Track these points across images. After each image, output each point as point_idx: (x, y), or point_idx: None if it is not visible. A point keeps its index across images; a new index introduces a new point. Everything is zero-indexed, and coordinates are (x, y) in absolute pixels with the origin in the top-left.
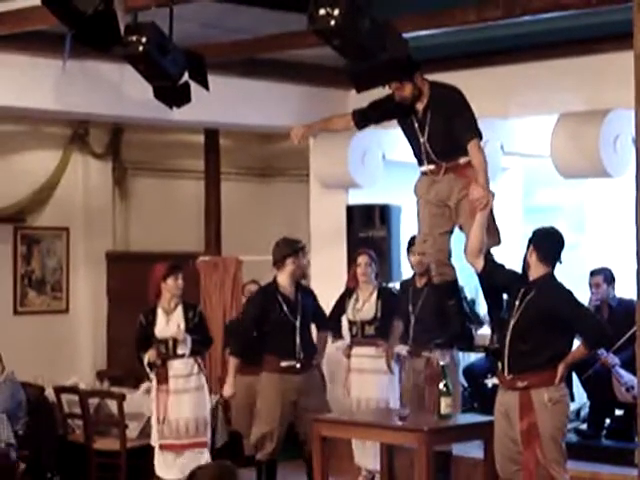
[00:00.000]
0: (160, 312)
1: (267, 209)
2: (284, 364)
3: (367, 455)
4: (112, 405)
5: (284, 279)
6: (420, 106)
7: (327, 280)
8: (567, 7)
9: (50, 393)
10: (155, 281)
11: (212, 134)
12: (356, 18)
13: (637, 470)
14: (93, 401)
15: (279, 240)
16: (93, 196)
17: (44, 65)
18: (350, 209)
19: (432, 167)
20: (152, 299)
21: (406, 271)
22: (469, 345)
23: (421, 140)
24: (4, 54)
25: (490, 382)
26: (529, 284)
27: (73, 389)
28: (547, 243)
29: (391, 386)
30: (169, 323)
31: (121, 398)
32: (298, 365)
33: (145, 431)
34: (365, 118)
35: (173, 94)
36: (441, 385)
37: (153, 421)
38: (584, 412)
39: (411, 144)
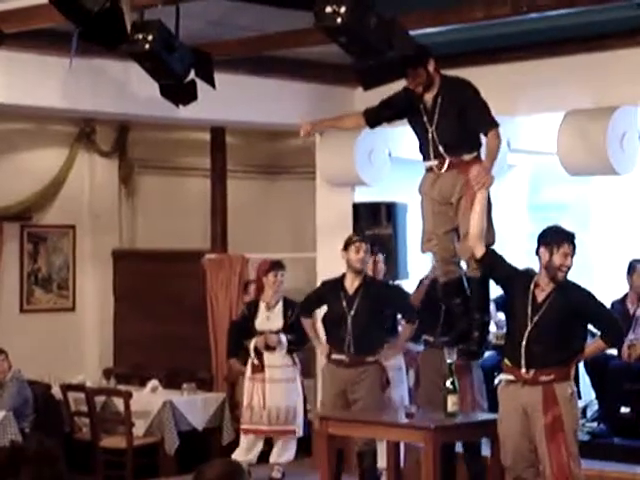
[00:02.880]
0: (262, 306)
1: (273, 207)
2: (335, 357)
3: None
4: (119, 403)
5: (347, 273)
6: (429, 96)
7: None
8: (574, 4)
9: (57, 391)
10: (258, 276)
11: (218, 132)
12: (362, 15)
13: None
14: (100, 399)
15: None
16: (99, 194)
17: (51, 63)
18: (356, 207)
19: (436, 162)
20: (256, 293)
21: (412, 269)
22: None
23: (429, 130)
24: (11, 52)
25: (501, 378)
26: (536, 282)
27: (80, 387)
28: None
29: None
30: (269, 318)
31: (128, 396)
32: (347, 359)
33: (151, 429)
34: (377, 117)
35: (179, 92)
36: (448, 383)
37: (244, 406)
38: (590, 411)
39: (419, 137)
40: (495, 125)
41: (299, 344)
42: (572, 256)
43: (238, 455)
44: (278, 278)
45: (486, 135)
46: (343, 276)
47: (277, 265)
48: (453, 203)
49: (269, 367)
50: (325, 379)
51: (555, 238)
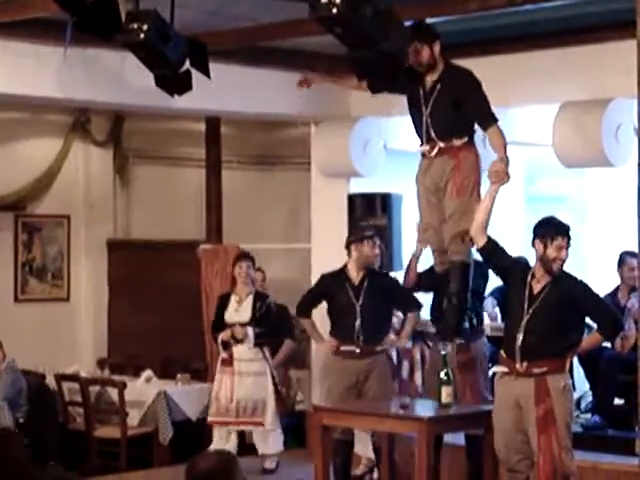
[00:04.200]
0: (233, 298)
1: (268, 197)
2: (344, 348)
3: (367, 444)
4: (113, 393)
5: (351, 264)
6: (430, 79)
7: (328, 268)
8: None
9: (51, 381)
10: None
11: (213, 122)
12: (358, 6)
13: (638, 459)
14: (94, 389)
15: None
16: (94, 184)
17: (45, 53)
18: (351, 198)
19: (428, 147)
20: (230, 285)
21: (407, 260)
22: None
23: (424, 113)
24: (5, 41)
25: (496, 370)
26: (532, 273)
27: (74, 377)
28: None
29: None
30: (238, 310)
31: (122, 386)
32: (357, 350)
33: (145, 419)
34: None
35: (174, 82)
36: (442, 374)
37: (212, 398)
38: (584, 402)
39: (414, 120)
40: (494, 120)
41: (268, 337)
42: (567, 248)
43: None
44: (244, 269)
45: (485, 130)
46: (345, 267)
47: (242, 256)
48: (441, 187)
49: (238, 360)
50: (332, 372)
51: (549, 231)
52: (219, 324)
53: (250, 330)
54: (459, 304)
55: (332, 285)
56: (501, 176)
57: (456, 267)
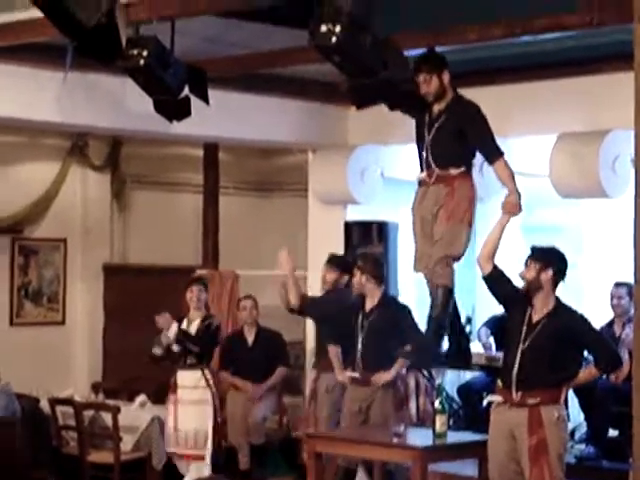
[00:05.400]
0: (184, 322)
1: (265, 224)
2: (348, 374)
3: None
4: (107, 418)
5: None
6: (437, 107)
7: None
8: (567, 28)
9: (45, 405)
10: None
11: (211, 148)
12: (357, 35)
13: None
14: (88, 413)
15: None
16: (91, 208)
17: (45, 77)
18: (348, 225)
19: (426, 174)
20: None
21: (404, 288)
22: (465, 363)
23: (426, 140)
24: (5, 65)
25: (490, 399)
26: (532, 304)
27: (68, 401)
28: (564, 267)
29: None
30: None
31: (116, 411)
32: (359, 376)
33: (139, 444)
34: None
35: (173, 108)
36: (436, 403)
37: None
38: (579, 433)
39: (418, 144)
40: (500, 154)
41: (201, 356)
42: (536, 270)
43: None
44: (195, 294)
45: (492, 164)
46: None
47: (193, 281)
48: (434, 215)
49: (181, 387)
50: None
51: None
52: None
53: (175, 326)
54: (437, 329)
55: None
56: (514, 209)
57: (439, 291)
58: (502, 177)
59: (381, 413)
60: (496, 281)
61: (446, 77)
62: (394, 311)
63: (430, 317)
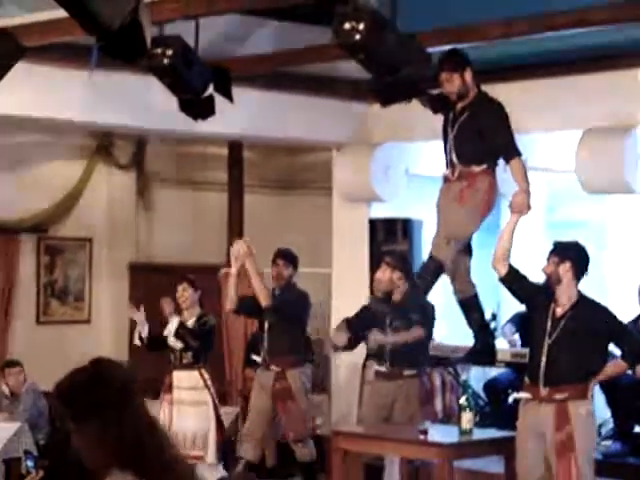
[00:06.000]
0: (175, 320)
1: (290, 222)
2: (376, 368)
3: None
4: None
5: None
6: (461, 104)
7: (349, 294)
8: (593, 23)
9: None
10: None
11: (236, 146)
12: (381, 32)
13: None
14: None
15: None
16: (116, 207)
17: (71, 76)
18: (372, 222)
19: (449, 170)
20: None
21: None
22: (491, 359)
23: (449, 137)
24: (32, 64)
25: (517, 396)
26: (555, 298)
27: None
28: (584, 260)
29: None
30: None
31: None
32: (386, 371)
33: None
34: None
35: (198, 106)
36: (462, 400)
37: None
38: (605, 429)
39: (444, 141)
40: (517, 154)
41: (197, 355)
42: (556, 264)
43: None
44: (179, 293)
45: (507, 163)
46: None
47: (178, 279)
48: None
49: (177, 388)
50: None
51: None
52: (154, 340)
53: (141, 313)
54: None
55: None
56: (522, 207)
57: (431, 262)
58: (516, 176)
59: (407, 408)
60: (513, 281)
61: (469, 75)
62: (422, 307)
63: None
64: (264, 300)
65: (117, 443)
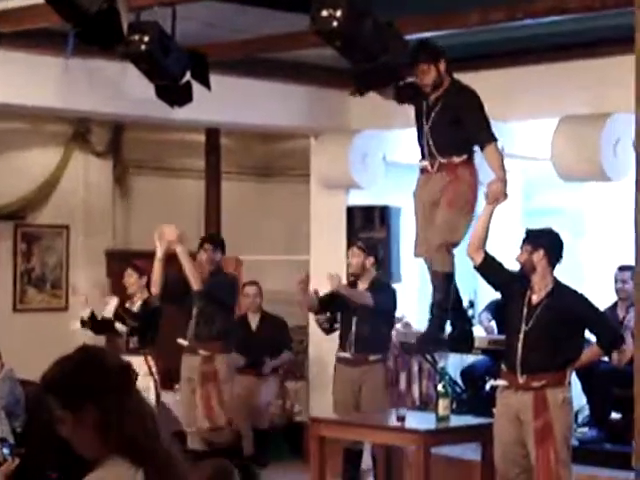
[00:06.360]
0: (113, 302)
1: (267, 209)
2: (340, 354)
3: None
4: None
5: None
6: (434, 94)
7: (327, 281)
8: (569, 11)
9: None
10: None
11: (213, 133)
12: (358, 19)
13: (634, 473)
14: None
15: None
16: (93, 194)
17: (46, 63)
18: (350, 210)
19: (428, 162)
20: None
21: (405, 273)
22: (469, 347)
23: (425, 128)
24: (6, 51)
25: (494, 383)
26: (531, 286)
27: None
28: (557, 247)
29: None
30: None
31: None
32: (351, 357)
33: None
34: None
35: (175, 93)
36: (439, 387)
37: None
38: (581, 416)
39: (417, 135)
40: (492, 139)
41: (142, 339)
42: (529, 253)
43: None
44: (125, 279)
45: (482, 149)
46: None
47: (129, 266)
48: (437, 202)
49: None
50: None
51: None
52: (99, 323)
53: (114, 301)
54: (440, 315)
55: None
56: (498, 195)
57: (439, 277)
58: (492, 163)
59: (374, 393)
60: (489, 269)
61: (442, 66)
62: (385, 292)
63: (433, 302)
64: (196, 284)
65: (117, 430)
